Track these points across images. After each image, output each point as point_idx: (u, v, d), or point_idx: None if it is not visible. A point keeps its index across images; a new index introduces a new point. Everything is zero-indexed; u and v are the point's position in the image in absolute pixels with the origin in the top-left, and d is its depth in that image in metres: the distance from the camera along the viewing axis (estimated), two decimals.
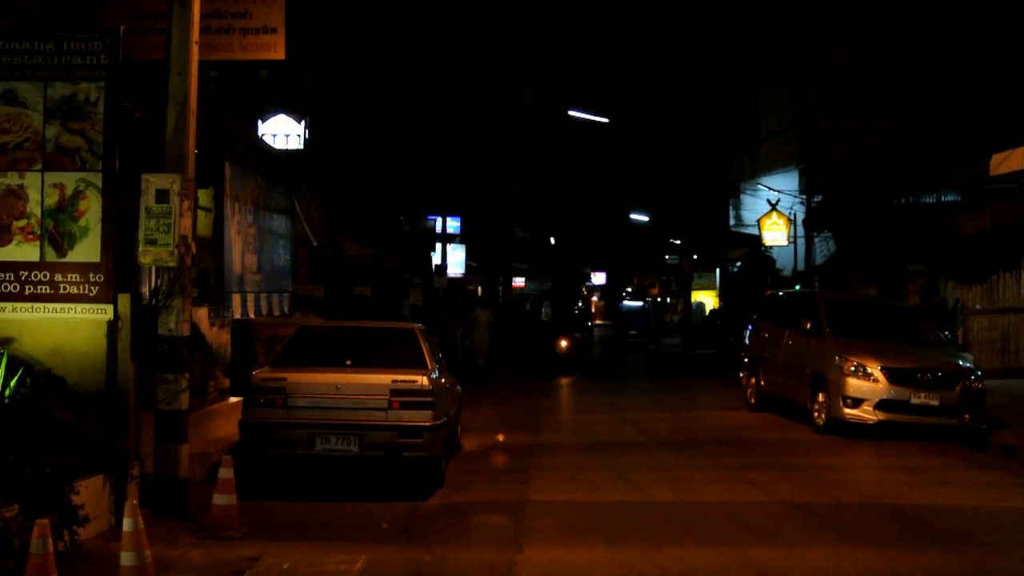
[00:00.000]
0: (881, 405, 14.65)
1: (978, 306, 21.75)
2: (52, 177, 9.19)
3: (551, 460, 12.95)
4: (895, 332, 16.40)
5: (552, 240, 63.62)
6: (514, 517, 9.55)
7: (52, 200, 9.16)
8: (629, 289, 70.41)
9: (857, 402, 14.73)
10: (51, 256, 9.16)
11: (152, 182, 9.02)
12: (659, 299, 61.26)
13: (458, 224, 37.99)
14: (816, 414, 15.38)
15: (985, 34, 22.58)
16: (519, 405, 19.36)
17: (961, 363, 15.50)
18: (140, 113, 10.34)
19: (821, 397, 15.30)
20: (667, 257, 56.75)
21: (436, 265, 35.21)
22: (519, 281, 62.12)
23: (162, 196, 8.98)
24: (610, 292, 70.90)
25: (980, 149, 20.36)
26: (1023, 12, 21.27)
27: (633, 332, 48.77)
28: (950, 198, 24.37)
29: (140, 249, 9.04)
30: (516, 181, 46.64)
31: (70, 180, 9.18)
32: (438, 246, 35.56)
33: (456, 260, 38.01)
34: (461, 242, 38.90)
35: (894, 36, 26.36)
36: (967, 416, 14.65)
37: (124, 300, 9.13)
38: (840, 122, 30.63)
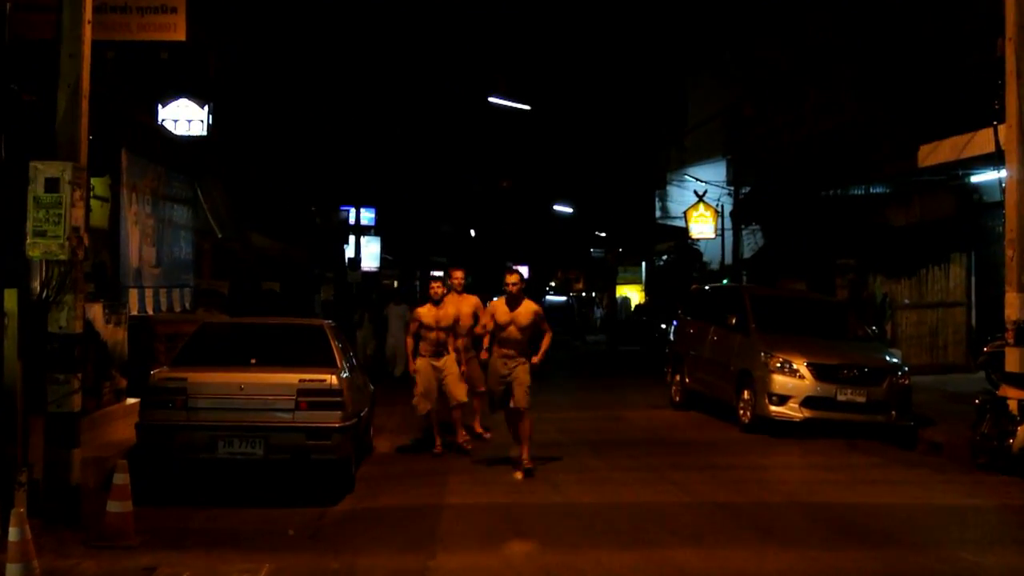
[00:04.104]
0: (807, 402, 14.94)
1: (907, 301, 22.32)
2: None
3: (468, 461, 12.99)
4: (822, 328, 16.74)
5: (472, 232, 63.66)
6: (428, 521, 9.56)
7: None
8: (553, 283, 70.78)
9: (783, 399, 15.00)
10: None
11: (41, 170, 8.86)
12: (583, 294, 61.67)
13: (373, 215, 37.82)
14: (742, 412, 15.64)
15: (914, 28, 23.10)
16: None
17: (888, 359, 15.88)
18: (29, 96, 10.16)
19: (747, 394, 15.56)
20: (592, 250, 57.20)
21: (349, 258, 35.02)
22: (438, 275, 61.66)
23: (52, 185, 8.82)
24: (532, 286, 71.17)
25: (908, 141, 20.87)
26: (950, 8, 21.81)
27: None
28: (879, 191, 24.91)
29: (28, 241, 8.87)
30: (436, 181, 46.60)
31: None
32: (351, 238, 35.36)
33: (371, 253, 37.84)
34: (376, 234, 38.74)
35: (823, 30, 26.84)
36: (894, 413, 15.01)
37: (11, 295, 8.97)
38: (769, 113, 31.12)
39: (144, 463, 10.16)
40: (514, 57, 46.93)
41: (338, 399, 10.41)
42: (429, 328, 13.39)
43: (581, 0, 41.35)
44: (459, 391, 13.48)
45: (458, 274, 14.41)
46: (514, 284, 12.17)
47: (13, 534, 6.63)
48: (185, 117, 20.24)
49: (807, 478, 12.18)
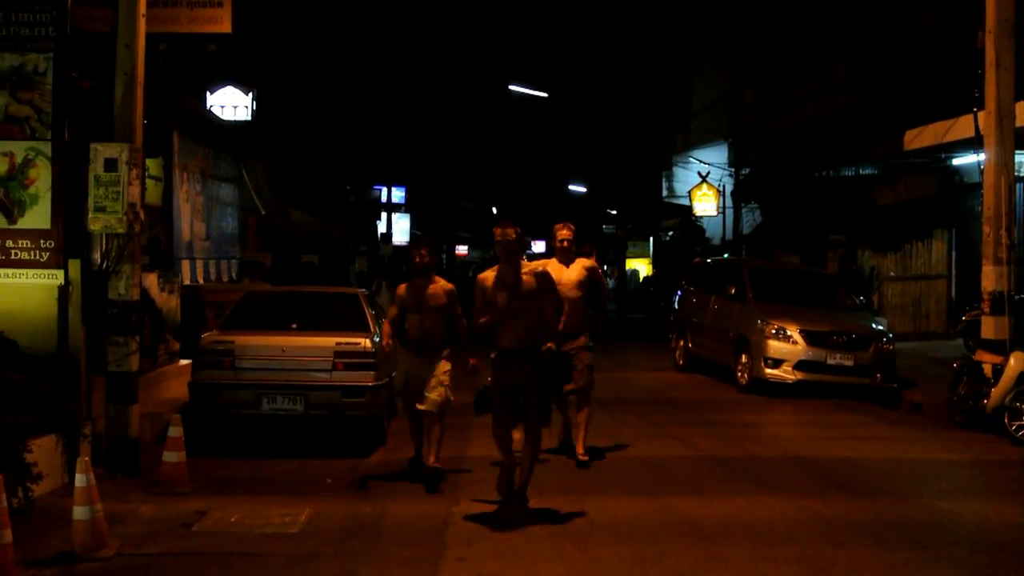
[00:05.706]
0: (800, 365, 14.98)
1: (892, 273, 22.25)
2: (2, 146, 9.08)
3: (487, 418, 13.02)
4: (814, 298, 16.73)
5: (494, 210, 63.65)
6: (452, 471, 9.66)
7: (2, 168, 9.06)
8: None
9: (777, 363, 15.04)
10: (2, 223, 9.07)
11: (101, 151, 8.96)
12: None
13: (403, 193, 37.92)
14: (739, 374, 15.68)
15: (902, 21, 22.95)
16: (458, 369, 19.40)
17: (874, 326, 15.86)
18: (89, 84, 10.24)
19: (744, 358, 15.59)
20: (604, 226, 57.06)
21: (382, 233, 35.17)
22: (462, 249, 62.06)
23: (111, 165, 8.91)
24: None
25: (896, 126, 20.77)
26: (936, 3, 21.66)
27: None
28: (868, 172, 24.82)
29: (90, 216, 8.98)
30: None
31: (20, 149, 9.08)
32: (383, 215, 35.47)
33: (401, 228, 38.00)
34: (406, 211, 38.84)
35: (819, 20, 26.67)
36: (879, 376, 15.02)
37: (75, 266, 9.08)
38: (768, 99, 30.98)
39: (196, 418, 10.29)
40: (533, 48, 46.83)
41: (371, 360, 10.47)
42: (411, 310, 9.32)
43: None
44: (433, 393, 9.25)
45: (565, 232, 10.16)
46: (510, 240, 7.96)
47: (79, 480, 6.76)
48: (231, 103, 20.33)
49: (799, 434, 12.21)
